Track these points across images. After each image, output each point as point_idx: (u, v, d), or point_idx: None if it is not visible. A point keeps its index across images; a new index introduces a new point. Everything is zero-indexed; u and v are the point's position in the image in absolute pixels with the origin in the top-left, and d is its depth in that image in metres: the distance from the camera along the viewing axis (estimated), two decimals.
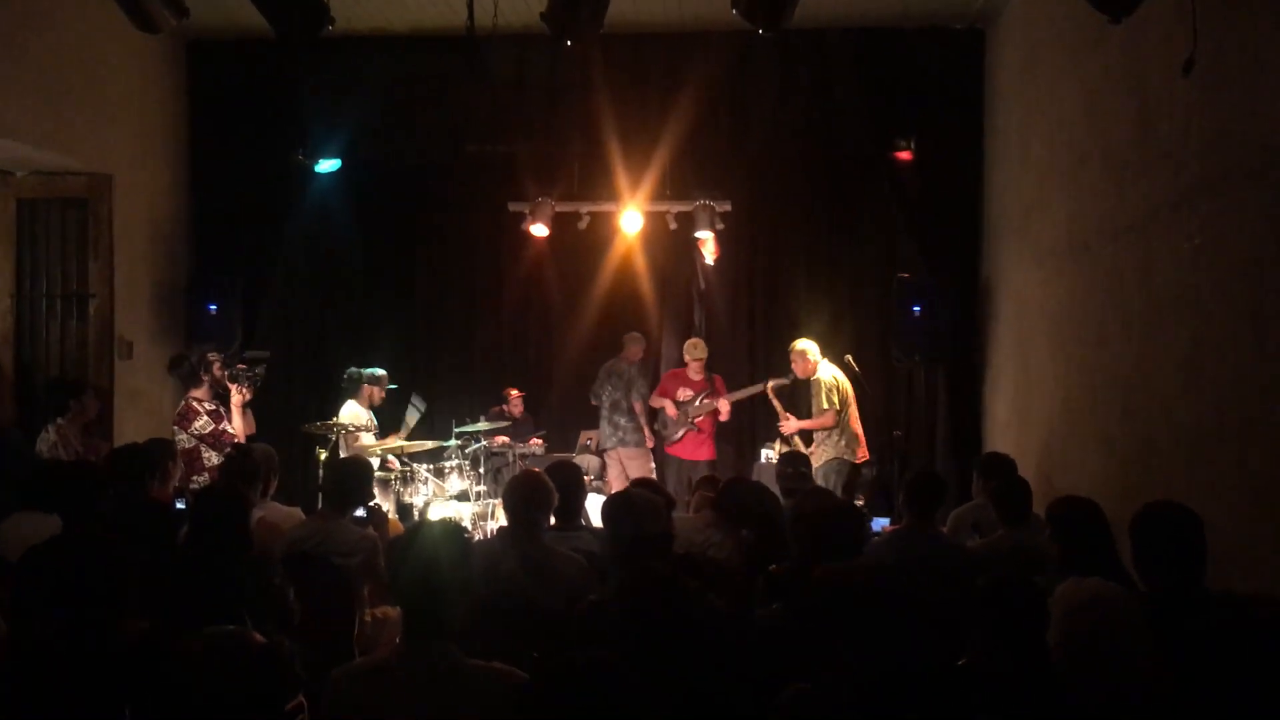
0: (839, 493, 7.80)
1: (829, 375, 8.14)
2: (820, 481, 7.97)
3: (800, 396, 8.48)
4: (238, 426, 7.24)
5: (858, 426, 8.20)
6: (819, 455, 8.11)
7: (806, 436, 8.32)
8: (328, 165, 9.03)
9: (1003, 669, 2.68)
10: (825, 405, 8.04)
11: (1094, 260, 6.30)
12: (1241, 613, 2.42)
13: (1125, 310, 5.81)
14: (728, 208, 9.10)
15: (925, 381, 9.03)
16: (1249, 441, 4.45)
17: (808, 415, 8.27)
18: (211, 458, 6.97)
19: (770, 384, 8.46)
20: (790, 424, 8.29)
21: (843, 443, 8.09)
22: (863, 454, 8.20)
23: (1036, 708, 2.54)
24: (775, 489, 5.80)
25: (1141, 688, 2.48)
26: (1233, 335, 4.59)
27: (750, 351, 9.55)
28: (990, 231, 8.72)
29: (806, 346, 8.21)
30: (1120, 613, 2.53)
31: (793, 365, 8.28)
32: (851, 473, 7.99)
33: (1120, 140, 5.87)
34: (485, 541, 5.62)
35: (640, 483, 5.27)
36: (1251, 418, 4.43)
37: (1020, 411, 7.85)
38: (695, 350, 8.83)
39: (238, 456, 5.50)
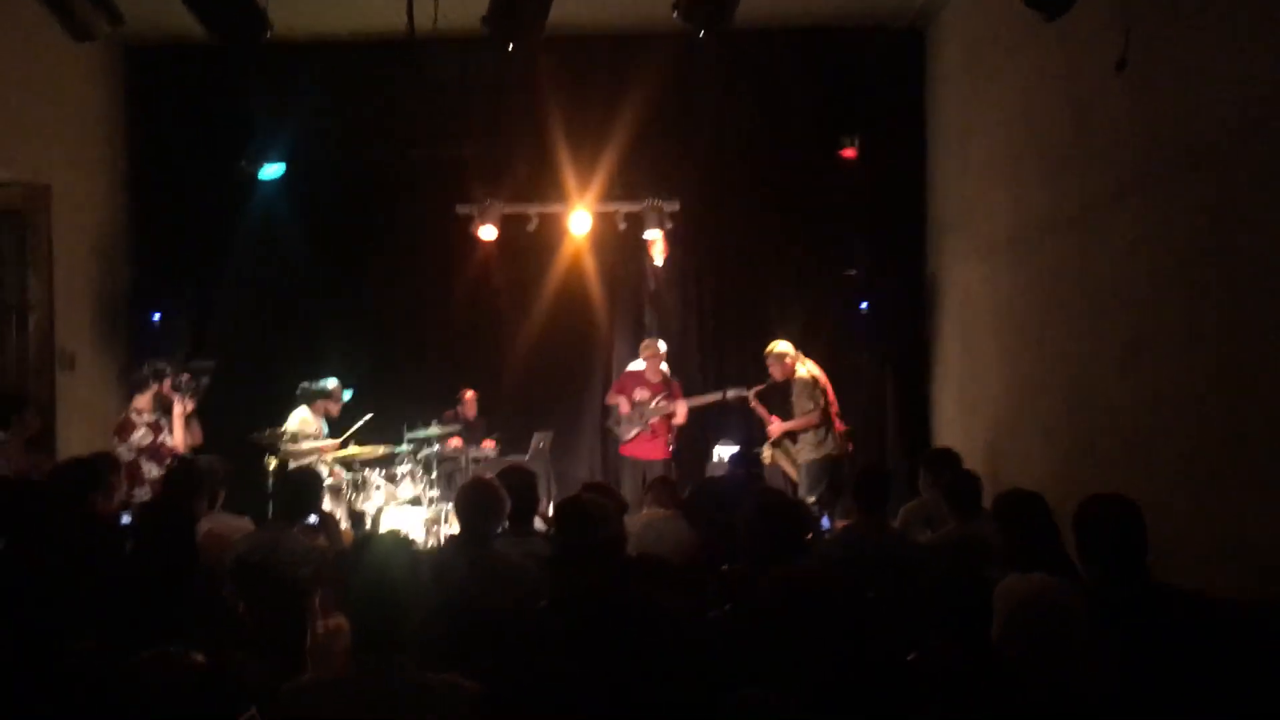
0: (825, 492, 7.77)
1: (808, 373, 8.07)
2: (808, 480, 7.96)
3: (774, 397, 8.37)
4: (179, 438, 7.12)
5: (837, 420, 8.13)
6: (805, 453, 8.05)
7: (795, 436, 8.19)
8: (272, 171, 8.91)
9: (948, 664, 2.72)
10: (810, 405, 7.95)
11: (1034, 255, 6.40)
12: (1178, 607, 2.48)
13: (1065, 304, 5.91)
14: (676, 208, 9.13)
15: (874, 377, 9.12)
16: (1185, 432, 4.55)
17: (787, 416, 8.20)
18: (151, 470, 6.85)
19: (751, 392, 8.36)
20: (776, 426, 8.21)
21: (829, 439, 8.00)
22: (850, 446, 8.11)
23: (981, 702, 2.58)
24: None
25: (1084, 680, 2.53)
26: (1168, 327, 4.69)
27: (701, 350, 9.59)
28: (935, 227, 8.82)
29: (785, 349, 8.08)
30: (1062, 605, 2.57)
31: (770, 369, 8.12)
32: (835, 471, 7.87)
33: (1056, 137, 5.97)
34: (437, 549, 5.60)
35: (591, 486, 5.27)
36: (1187, 409, 4.53)
37: (966, 405, 7.96)
38: (652, 350, 8.83)
39: (179, 468, 5.42)
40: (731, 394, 8.60)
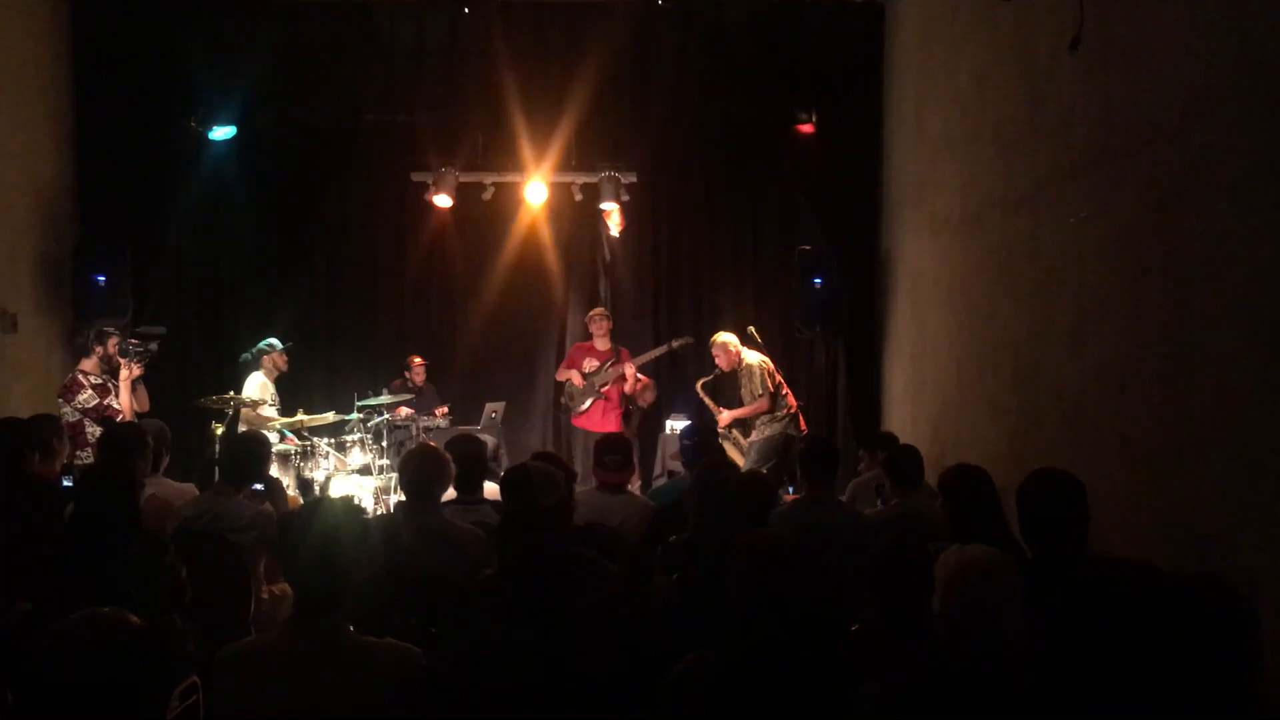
0: (773, 468, 7.75)
1: (755, 360, 8.07)
2: (756, 455, 7.94)
3: (722, 387, 8.39)
4: (125, 403, 7.02)
5: (794, 402, 8.16)
6: (756, 435, 8.06)
7: (745, 426, 8.22)
8: (223, 132, 8.76)
9: (888, 634, 2.75)
10: (760, 391, 7.96)
11: (985, 233, 6.45)
12: (1113, 575, 2.52)
13: (1015, 281, 5.96)
14: (633, 179, 9.10)
15: (826, 352, 9.17)
16: (1125, 410, 4.61)
17: (737, 405, 8.20)
18: (96, 433, 6.75)
19: (698, 383, 8.43)
20: (726, 415, 8.22)
21: (788, 421, 8.02)
22: (803, 425, 8.13)
23: (918, 672, 2.61)
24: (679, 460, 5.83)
25: (1020, 651, 2.57)
26: (1113, 306, 4.74)
27: (654, 321, 9.58)
28: (889, 204, 8.86)
29: (728, 339, 8.12)
30: (999, 576, 2.61)
31: (716, 360, 8.16)
32: (785, 444, 7.85)
33: (1010, 116, 6.01)
34: (384, 515, 5.57)
35: (541, 455, 5.26)
36: (1128, 387, 4.59)
37: (916, 381, 8.02)
38: (599, 318, 8.84)
39: (120, 430, 5.33)
40: (676, 344, 8.71)
